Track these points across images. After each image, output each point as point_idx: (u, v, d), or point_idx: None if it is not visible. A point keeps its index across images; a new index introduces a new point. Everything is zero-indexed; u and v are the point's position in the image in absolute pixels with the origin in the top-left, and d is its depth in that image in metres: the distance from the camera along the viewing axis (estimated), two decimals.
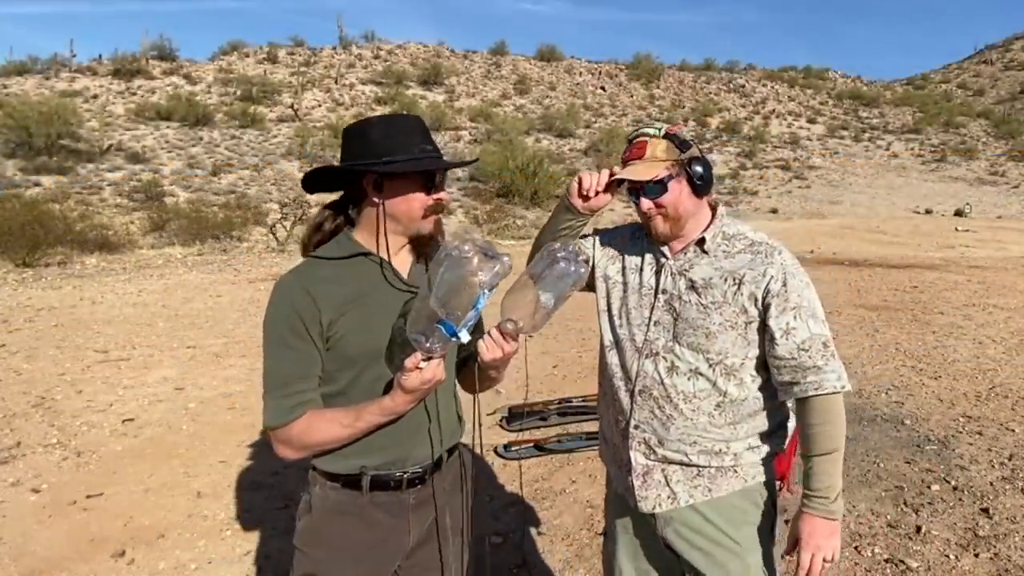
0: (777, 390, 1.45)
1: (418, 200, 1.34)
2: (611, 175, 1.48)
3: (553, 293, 1.25)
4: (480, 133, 29.65)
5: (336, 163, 1.38)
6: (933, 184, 30.83)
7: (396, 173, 1.30)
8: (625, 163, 1.46)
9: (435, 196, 1.35)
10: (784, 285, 1.40)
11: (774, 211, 23.06)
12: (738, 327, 1.40)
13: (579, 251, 1.29)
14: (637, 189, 1.44)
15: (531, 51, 47.78)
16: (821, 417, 1.40)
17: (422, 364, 1.20)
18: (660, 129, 1.47)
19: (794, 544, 1.44)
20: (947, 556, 2.75)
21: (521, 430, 4.06)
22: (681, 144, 1.45)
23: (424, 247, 1.41)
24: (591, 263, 1.61)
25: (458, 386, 1.55)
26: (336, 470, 1.36)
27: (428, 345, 1.18)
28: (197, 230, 13.96)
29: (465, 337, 1.19)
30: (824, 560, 1.40)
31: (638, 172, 1.42)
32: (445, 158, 1.38)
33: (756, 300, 1.40)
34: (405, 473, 1.38)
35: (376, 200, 1.33)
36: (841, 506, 1.42)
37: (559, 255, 1.27)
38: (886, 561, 2.72)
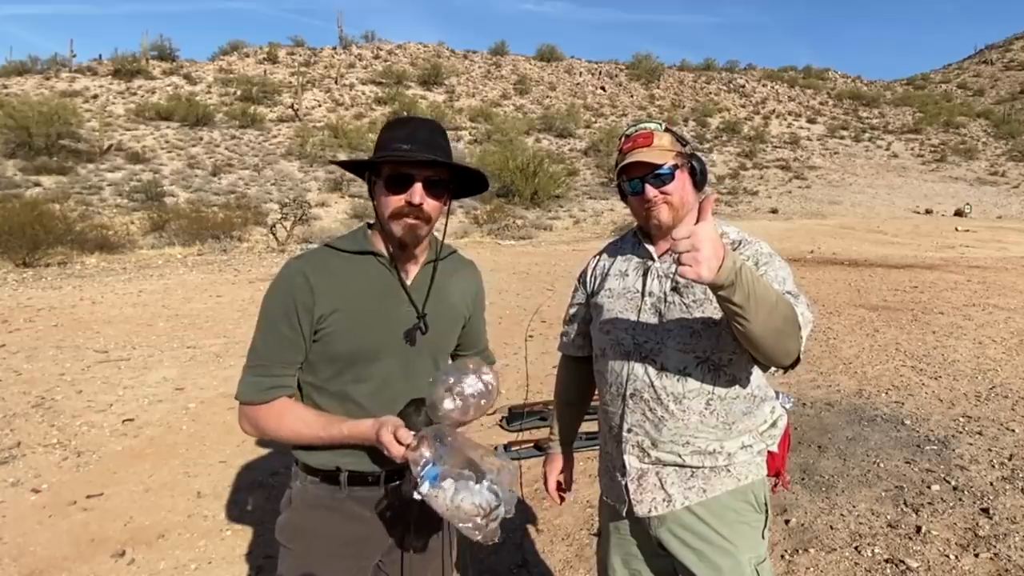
0: (759, 367, 1.43)
1: (387, 202, 1.31)
2: (617, 164, 1.49)
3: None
4: (480, 133, 29.65)
5: (333, 163, 1.40)
6: (933, 184, 30.84)
7: (355, 168, 1.36)
8: (625, 153, 1.47)
9: (404, 198, 1.29)
10: (756, 263, 1.42)
11: (774, 211, 23.07)
12: (721, 324, 1.39)
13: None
14: (640, 178, 1.44)
15: (531, 51, 47.79)
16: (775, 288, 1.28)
17: (405, 441, 1.21)
18: (661, 124, 1.49)
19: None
20: (947, 556, 2.74)
21: (521, 430, 4.06)
22: (681, 139, 1.49)
23: (407, 251, 1.37)
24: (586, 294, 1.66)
25: None
26: (315, 464, 1.37)
27: (417, 442, 1.19)
28: (197, 230, 13.98)
29: (416, 495, 1.15)
30: (694, 246, 1.08)
31: (652, 156, 1.42)
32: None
33: None
34: (383, 470, 1.38)
35: (373, 199, 1.35)
36: (732, 280, 1.13)
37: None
38: (886, 561, 2.72)
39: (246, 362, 1.33)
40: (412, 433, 1.22)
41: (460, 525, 1.15)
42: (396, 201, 1.30)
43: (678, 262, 1.10)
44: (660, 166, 1.41)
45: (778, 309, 1.22)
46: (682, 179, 1.45)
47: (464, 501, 1.14)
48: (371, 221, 1.42)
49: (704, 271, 1.08)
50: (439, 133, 1.36)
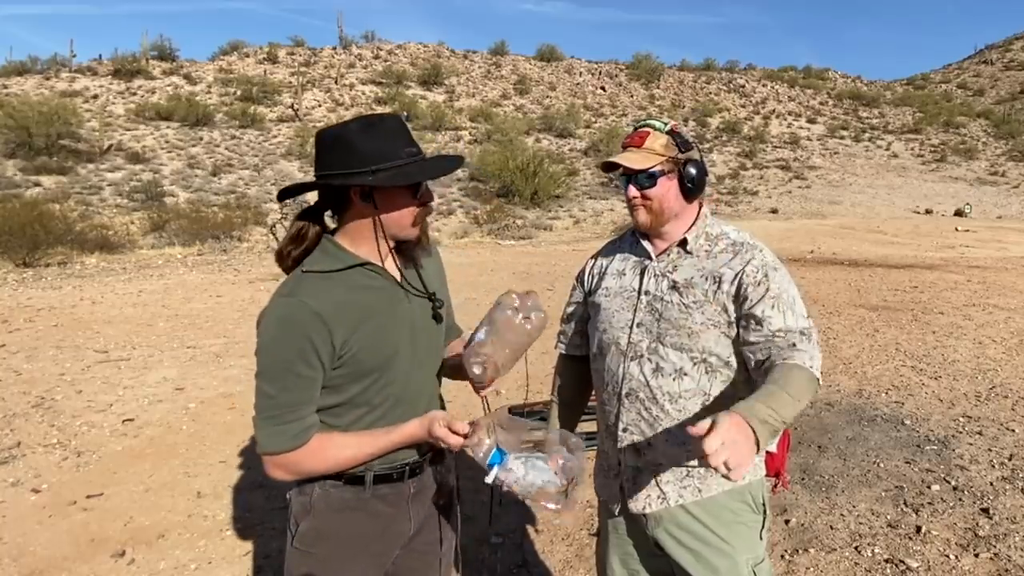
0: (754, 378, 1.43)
1: (408, 209, 1.32)
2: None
3: (490, 329, 1.34)
4: (480, 133, 29.63)
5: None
6: (933, 184, 30.82)
7: (389, 184, 1.27)
8: (624, 148, 1.47)
9: (424, 204, 1.34)
10: (765, 276, 1.39)
11: (774, 211, 23.05)
12: (720, 326, 1.40)
13: (527, 302, 1.41)
14: (629, 176, 1.44)
15: (531, 51, 47.76)
16: (789, 377, 1.26)
17: (461, 431, 1.24)
18: (666, 124, 1.47)
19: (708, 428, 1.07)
20: (947, 556, 2.74)
21: None
22: (682, 143, 1.45)
23: (407, 251, 1.40)
24: (583, 290, 1.68)
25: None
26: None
27: (472, 430, 1.23)
28: (197, 230, 13.97)
29: (486, 480, 1.18)
30: (726, 465, 1.01)
31: (631, 160, 1.42)
32: (432, 154, 1.37)
33: (734, 295, 1.40)
34: (407, 464, 1.39)
35: (366, 210, 1.30)
36: (768, 442, 1.17)
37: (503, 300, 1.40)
38: (886, 561, 2.72)
39: (261, 412, 1.26)
40: (466, 423, 1.24)
41: (541, 502, 1.16)
42: (415, 206, 1.33)
43: (726, 477, 1.03)
44: (643, 170, 1.41)
45: (802, 403, 1.26)
46: (666, 185, 1.43)
47: (537, 477, 1.17)
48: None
49: (749, 464, 1.06)
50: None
